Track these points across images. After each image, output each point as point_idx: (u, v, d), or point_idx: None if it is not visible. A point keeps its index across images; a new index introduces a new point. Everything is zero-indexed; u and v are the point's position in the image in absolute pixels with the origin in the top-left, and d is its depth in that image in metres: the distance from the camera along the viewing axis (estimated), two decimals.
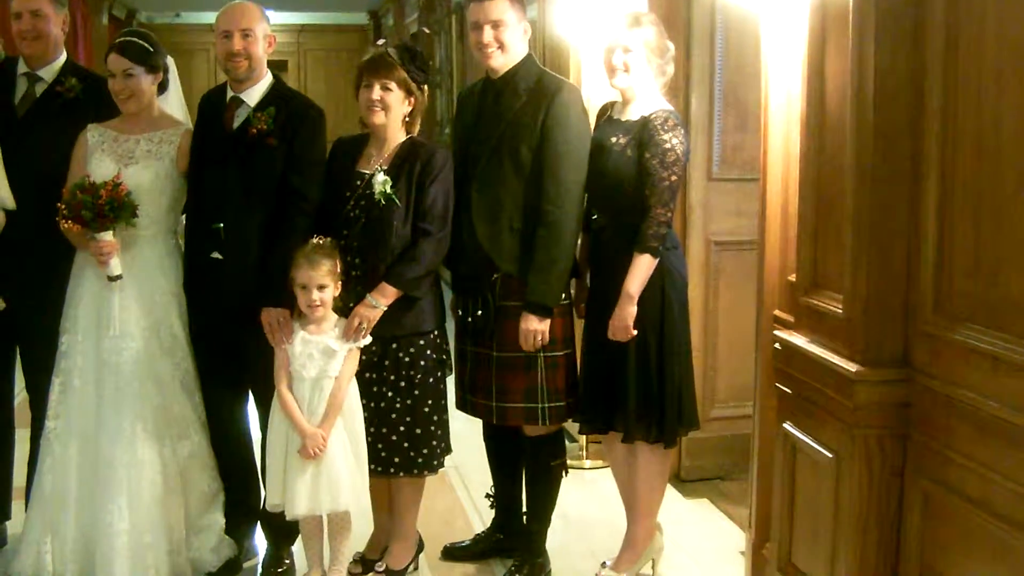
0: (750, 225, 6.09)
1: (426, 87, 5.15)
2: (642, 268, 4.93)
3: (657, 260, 4.94)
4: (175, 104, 5.49)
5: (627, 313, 4.95)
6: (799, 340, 4.41)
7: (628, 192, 4.97)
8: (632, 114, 5.05)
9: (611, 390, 5.12)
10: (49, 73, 5.49)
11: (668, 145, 4.89)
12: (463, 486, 6.63)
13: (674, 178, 4.93)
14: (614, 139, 5.03)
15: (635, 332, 4.96)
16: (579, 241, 5.20)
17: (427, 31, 13.14)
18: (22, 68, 5.51)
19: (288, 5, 18.55)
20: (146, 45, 5.18)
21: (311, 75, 21.55)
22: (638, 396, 5.05)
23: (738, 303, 6.43)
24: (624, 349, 5.02)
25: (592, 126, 5.23)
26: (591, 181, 5.07)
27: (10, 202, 5.27)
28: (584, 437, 6.84)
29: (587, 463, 6.94)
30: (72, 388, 5.16)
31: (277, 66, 5.73)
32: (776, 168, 4.92)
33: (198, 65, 20.79)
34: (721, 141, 6.51)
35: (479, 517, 6.14)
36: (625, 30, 5.00)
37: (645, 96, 5.03)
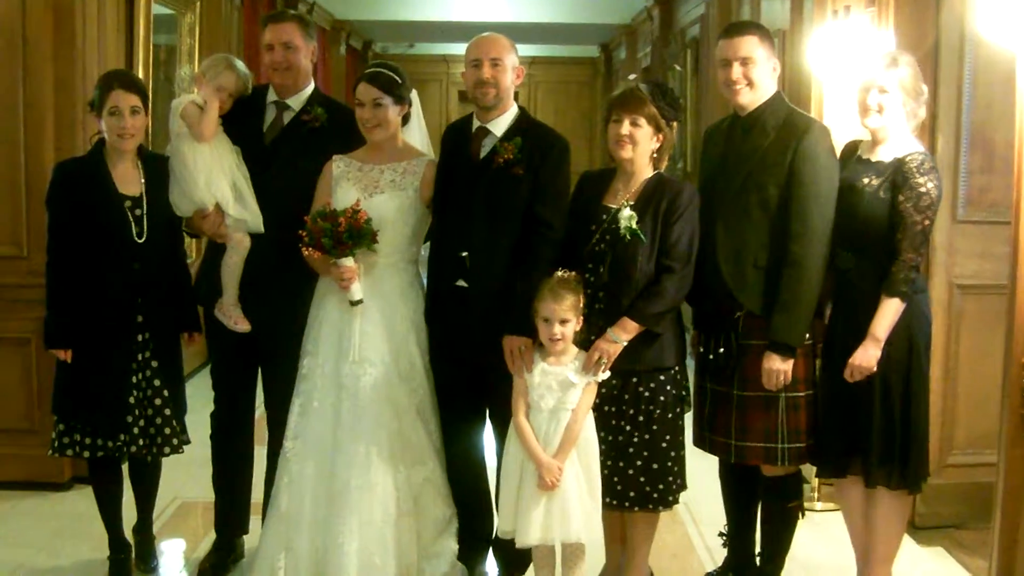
0: (995, 269, 5.97)
1: (675, 124, 5.14)
2: (890, 312, 4.87)
3: (905, 304, 4.87)
4: (416, 135, 5.57)
5: (871, 355, 4.89)
6: None
7: (878, 234, 4.91)
8: (883, 155, 4.98)
9: (851, 433, 5.04)
10: (297, 102, 5.63)
11: (923, 189, 4.83)
12: (693, 523, 6.57)
13: (927, 222, 4.87)
14: (866, 180, 4.97)
15: (874, 369, 4.90)
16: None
17: (678, 68, 13.05)
18: (271, 97, 5.67)
19: (520, 38, 18.73)
20: (395, 76, 5.29)
21: (541, 106, 21.68)
22: (882, 441, 4.96)
23: (980, 348, 6.28)
24: (868, 392, 4.95)
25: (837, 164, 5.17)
26: (839, 221, 5.00)
27: (260, 226, 5.43)
28: (816, 479, 6.73)
29: (818, 505, 6.81)
30: (311, 410, 5.28)
31: None
32: None
33: (430, 95, 21.22)
34: (967, 182, 6.34)
35: (709, 556, 6.09)
36: (882, 70, 4.94)
37: (897, 137, 4.96)
